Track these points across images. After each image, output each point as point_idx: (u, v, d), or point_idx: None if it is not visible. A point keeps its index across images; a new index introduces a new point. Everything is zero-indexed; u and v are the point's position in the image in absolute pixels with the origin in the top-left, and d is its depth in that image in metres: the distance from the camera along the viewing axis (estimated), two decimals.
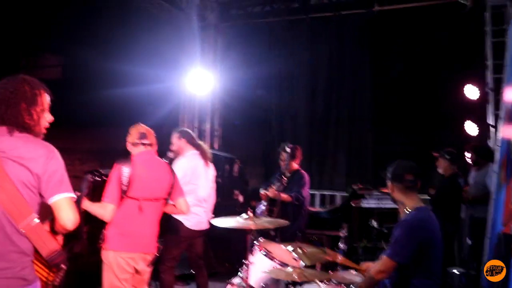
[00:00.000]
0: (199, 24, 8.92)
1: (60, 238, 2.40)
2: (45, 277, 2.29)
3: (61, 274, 2.32)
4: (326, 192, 8.37)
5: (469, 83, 6.78)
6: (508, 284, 3.67)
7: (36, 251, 2.23)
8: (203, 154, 4.94)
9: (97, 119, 12.78)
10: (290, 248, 3.75)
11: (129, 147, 3.80)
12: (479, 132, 6.70)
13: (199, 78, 8.71)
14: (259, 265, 3.80)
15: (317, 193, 8.34)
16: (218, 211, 7.49)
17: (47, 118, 2.50)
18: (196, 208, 4.71)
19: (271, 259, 3.80)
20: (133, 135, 3.77)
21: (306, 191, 5.79)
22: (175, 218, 4.61)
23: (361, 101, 8.45)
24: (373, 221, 6.32)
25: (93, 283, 4.83)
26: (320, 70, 8.75)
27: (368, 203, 6.89)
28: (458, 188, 6.00)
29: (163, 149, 4.98)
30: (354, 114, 8.50)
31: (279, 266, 3.69)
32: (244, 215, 3.73)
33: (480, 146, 6.24)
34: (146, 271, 3.73)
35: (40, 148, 2.31)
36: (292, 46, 8.90)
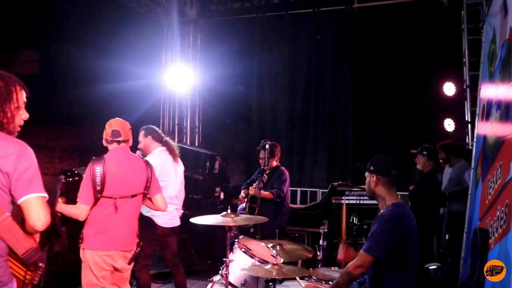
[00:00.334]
0: (178, 19, 8.84)
1: (37, 236, 2.35)
2: (23, 276, 2.23)
3: (40, 272, 2.27)
4: (306, 189, 8.39)
5: (448, 80, 6.87)
6: (485, 279, 3.73)
7: (12, 250, 2.17)
8: (170, 150, 4.87)
9: (77, 116, 12.59)
10: (270, 245, 3.75)
11: (104, 143, 3.77)
12: (457, 129, 6.80)
13: (179, 74, 8.65)
14: (238, 262, 3.79)
15: (298, 189, 8.35)
16: (199, 208, 7.51)
17: (23, 115, 2.41)
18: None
19: (251, 257, 3.80)
20: (107, 132, 3.73)
21: (287, 188, 5.79)
22: (146, 216, 4.56)
23: (341, 97, 8.47)
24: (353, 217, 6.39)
25: (73, 282, 4.77)
26: (300, 67, 8.75)
27: (348, 199, 6.93)
28: (436, 184, 6.09)
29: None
30: (334, 110, 8.53)
31: (258, 263, 3.69)
32: (223, 212, 3.72)
33: (449, 144, 6.36)
34: (126, 268, 3.70)
35: (12, 146, 2.23)
36: (272, 42, 8.90)
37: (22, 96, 2.39)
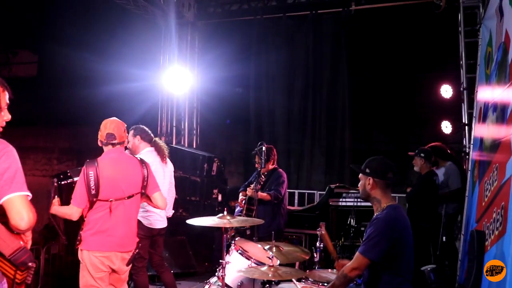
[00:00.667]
0: (176, 21, 8.84)
1: (29, 235, 2.34)
2: (13, 275, 2.21)
3: (32, 272, 2.26)
4: (304, 191, 8.39)
5: (445, 83, 6.89)
6: (481, 281, 3.73)
7: None
8: (159, 151, 4.85)
9: (75, 118, 12.60)
10: (266, 247, 3.76)
11: (99, 144, 3.76)
12: (454, 131, 6.82)
13: (177, 76, 8.66)
14: (235, 264, 3.79)
15: (295, 191, 8.36)
16: (197, 210, 7.51)
17: (5, 117, 2.38)
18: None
19: (247, 258, 3.80)
20: (102, 134, 3.71)
21: (285, 190, 5.79)
22: None
23: (338, 99, 8.48)
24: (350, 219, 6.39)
25: (71, 284, 4.77)
26: (297, 69, 8.76)
27: (346, 201, 6.94)
28: (433, 186, 6.10)
29: None
30: (332, 112, 8.53)
31: (255, 265, 3.69)
32: (220, 214, 3.73)
33: (437, 146, 6.41)
34: (124, 270, 3.69)
35: None
36: (269, 44, 8.91)
37: (5, 97, 2.36)
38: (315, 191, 8.24)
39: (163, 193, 4.67)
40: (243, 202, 5.70)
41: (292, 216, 6.77)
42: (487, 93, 4.94)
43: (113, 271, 3.63)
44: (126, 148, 4.63)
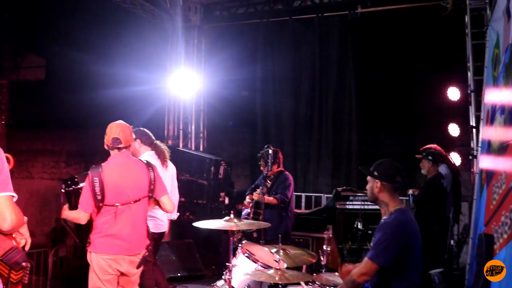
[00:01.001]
0: (182, 25, 8.89)
1: (25, 234, 2.34)
2: (7, 273, 2.21)
3: (27, 272, 2.27)
4: (311, 194, 8.38)
5: (452, 85, 6.86)
6: (490, 284, 3.70)
7: None
8: (159, 154, 4.83)
9: (82, 121, 12.68)
10: (273, 250, 3.76)
11: (106, 147, 3.76)
12: (461, 133, 6.78)
13: (184, 80, 8.69)
14: (242, 267, 3.79)
15: (302, 194, 8.34)
16: (204, 213, 7.52)
17: None
18: (155, 211, 4.55)
19: (254, 261, 3.80)
20: (108, 138, 3.71)
21: (291, 193, 5.78)
22: None
23: (345, 102, 8.46)
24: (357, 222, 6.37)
25: (79, 286, 4.79)
26: (304, 72, 8.76)
27: (353, 204, 6.91)
28: (441, 189, 6.08)
29: None
30: (338, 115, 8.51)
31: (261, 268, 3.69)
32: (226, 217, 3.73)
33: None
34: (133, 272, 3.70)
35: None
36: (275, 47, 8.91)
37: None
38: (322, 194, 8.22)
39: None
40: (250, 204, 5.70)
41: (299, 219, 6.76)
42: (494, 95, 4.91)
43: (122, 274, 3.65)
44: None
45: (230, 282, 3.57)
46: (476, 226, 5.25)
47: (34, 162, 14.35)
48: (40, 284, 7.94)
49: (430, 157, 6.05)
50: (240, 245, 4.06)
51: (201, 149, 9.29)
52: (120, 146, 3.67)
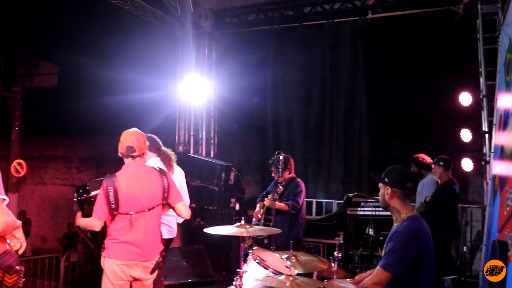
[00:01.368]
0: (193, 32, 8.95)
1: (20, 237, 2.35)
2: (1, 277, 2.23)
3: (22, 275, 2.29)
4: (322, 200, 8.35)
5: (464, 90, 6.81)
6: None
7: None
8: (165, 160, 4.80)
9: (94, 127, 12.79)
10: (284, 256, 3.74)
11: (119, 155, 3.78)
12: (473, 139, 6.72)
13: (194, 86, 8.73)
14: (252, 273, 3.78)
15: (313, 200, 8.31)
16: (214, 219, 7.53)
17: None
18: (165, 217, 4.51)
19: (265, 268, 3.79)
20: (121, 146, 3.71)
21: (303, 199, 5.76)
22: None
23: (356, 108, 8.43)
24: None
25: None
26: (314, 78, 8.75)
27: (364, 211, 6.88)
28: (453, 195, 6.02)
29: None
30: (349, 121, 8.49)
31: (272, 274, 3.68)
32: (237, 223, 3.74)
33: (417, 157, 6.38)
34: (147, 278, 3.72)
35: None
36: (286, 53, 8.92)
37: None
38: (333, 200, 8.18)
39: None
40: (260, 213, 5.68)
41: (310, 225, 6.75)
42: (507, 100, 4.87)
43: (135, 279, 3.67)
44: None
45: None
46: (489, 233, 5.19)
47: (46, 168, 14.50)
48: None
49: (441, 163, 6.01)
50: (251, 251, 4.05)
51: (211, 155, 9.31)
52: (134, 154, 3.69)
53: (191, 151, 9.08)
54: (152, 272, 3.71)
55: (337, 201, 8.02)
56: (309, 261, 3.83)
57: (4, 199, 2.23)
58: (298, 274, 3.55)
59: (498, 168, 5.09)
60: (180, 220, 5.12)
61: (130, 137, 3.70)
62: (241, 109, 9.49)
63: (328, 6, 8.43)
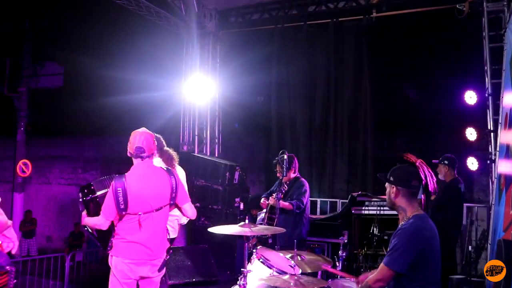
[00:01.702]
0: (198, 31, 8.97)
1: (11, 236, 2.36)
2: None
3: (12, 276, 2.29)
4: (326, 199, 8.33)
5: (469, 89, 6.78)
6: None
7: None
8: (166, 160, 4.81)
9: (99, 127, 12.85)
10: (288, 255, 3.74)
11: (128, 155, 3.78)
12: (479, 138, 6.68)
13: (199, 86, 8.74)
14: (257, 272, 3.78)
15: (317, 200, 8.30)
16: (219, 219, 7.54)
17: None
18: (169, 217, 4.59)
19: (269, 267, 3.79)
20: (131, 146, 3.71)
21: (307, 199, 5.76)
22: None
23: (360, 107, 8.40)
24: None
25: None
26: (319, 77, 8.73)
27: (368, 210, 6.86)
28: (458, 193, 5.99)
29: None
30: (354, 120, 8.46)
31: (276, 274, 3.68)
32: (241, 223, 3.74)
33: (401, 156, 6.32)
34: (155, 275, 3.75)
35: None
36: (290, 53, 8.90)
37: None
38: (338, 200, 8.16)
39: None
40: (267, 206, 5.67)
41: (315, 224, 6.72)
42: None
43: (142, 277, 3.70)
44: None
45: (245, 287, 3.57)
46: (495, 232, 5.17)
47: (51, 168, 14.57)
48: None
49: (446, 162, 5.98)
50: (255, 250, 4.06)
51: (216, 154, 9.32)
52: (143, 155, 3.69)
53: (196, 151, 9.09)
54: (160, 270, 3.74)
55: (341, 201, 8.01)
56: (313, 260, 3.83)
57: None
58: (302, 274, 3.54)
59: (504, 167, 5.07)
60: (185, 221, 5.13)
61: (140, 137, 3.70)
62: (245, 109, 9.49)
63: (332, 5, 8.41)
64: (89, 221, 3.69)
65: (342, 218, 7.03)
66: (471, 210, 7.16)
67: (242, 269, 3.65)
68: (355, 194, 7.13)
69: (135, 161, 3.75)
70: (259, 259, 3.88)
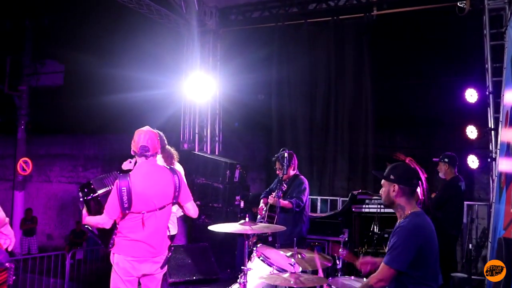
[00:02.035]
0: (198, 29, 8.95)
1: (8, 233, 2.35)
2: None
3: (12, 272, 2.29)
4: (327, 197, 8.33)
5: (470, 87, 6.77)
6: None
7: None
8: (167, 158, 4.84)
9: (99, 125, 12.85)
10: (288, 253, 3.74)
11: (132, 153, 3.78)
12: (479, 136, 6.67)
13: (199, 84, 8.73)
14: (257, 271, 3.79)
15: (318, 198, 8.30)
16: (219, 217, 7.54)
17: None
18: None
19: (269, 265, 3.79)
20: (135, 145, 3.71)
21: (306, 197, 5.75)
22: None
23: (361, 105, 8.39)
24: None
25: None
26: (319, 75, 8.72)
27: (369, 208, 6.85)
28: (459, 192, 5.98)
29: None
30: (354, 118, 8.45)
31: (276, 272, 3.68)
32: (241, 221, 3.74)
33: (392, 156, 6.34)
34: (157, 272, 3.76)
35: None
36: (291, 51, 8.89)
37: None
38: (338, 198, 8.17)
39: None
40: (263, 210, 5.69)
41: (315, 222, 6.72)
42: None
43: (144, 275, 3.70)
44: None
45: (245, 285, 3.58)
46: (495, 230, 5.17)
47: (52, 166, 14.58)
48: (57, 287, 8.03)
49: (446, 160, 5.98)
50: (255, 248, 4.06)
51: (216, 152, 9.32)
52: (147, 154, 3.68)
53: (196, 149, 9.09)
54: (162, 267, 3.75)
55: (342, 199, 8.01)
56: (314, 258, 3.82)
57: None
58: (302, 272, 3.54)
59: (505, 165, 5.06)
60: (181, 213, 5.12)
61: (144, 136, 3.69)
62: (246, 107, 9.48)
63: (333, 3, 8.40)
64: (92, 220, 3.68)
65: (342, 216, 7.02)
66: (471, 208, 7.16)
67: (242, 267, 3.66)
68: (355, 192, 7.12)
69: (139, 159, 3.74)
70: (259, 257, 3.88)
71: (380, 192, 3.21)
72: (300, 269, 3.55)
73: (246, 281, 3.59)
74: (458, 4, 6.50)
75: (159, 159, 4.69)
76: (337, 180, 8.56)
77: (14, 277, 2.31)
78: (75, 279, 8.01)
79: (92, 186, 3.72)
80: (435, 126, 8.41)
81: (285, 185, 5.56)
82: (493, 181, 5.97)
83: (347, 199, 7.25)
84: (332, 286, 3.66)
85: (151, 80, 9.56)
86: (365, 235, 6.72)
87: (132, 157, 3.88)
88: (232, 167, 7.87)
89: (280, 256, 3.97)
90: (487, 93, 6.38)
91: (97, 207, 3.68)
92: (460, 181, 6.00)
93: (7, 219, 2.42)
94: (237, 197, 7.86)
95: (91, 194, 3.70)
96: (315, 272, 3.86)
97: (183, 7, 8.66)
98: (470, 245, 6.12)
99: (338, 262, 4.01)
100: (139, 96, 10.14)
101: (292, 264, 3.45)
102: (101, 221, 3.59)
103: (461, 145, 7.15)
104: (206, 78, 8.87)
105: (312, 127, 8.77)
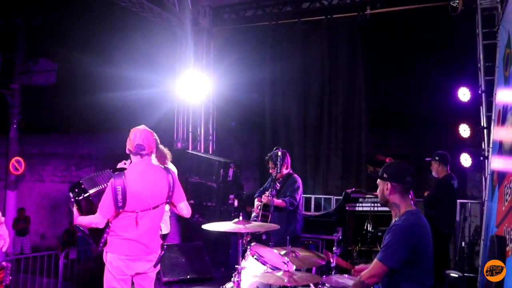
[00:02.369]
0: (192, 28, 8.93)
1: (4, 232, 2.34)
2: None
3: (8, 272, 2.28)
4: (320, 196, 8.34)
5: (462, 86, 6.81)
6: (503, 287, 3.66)
7: None
8: (160, 158, 4.83)
9: (92, 124, 12.79)
10: (282, 252, 3.75)
11: (127, 151, 3.76)
12: (472, 134, 6.71)
13: (193, 82, 8.71)
14: (251, 269, 3.79)
15: (312, 196, 8.32)
16: (213, 216, 7.53)
17: None
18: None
19: (263, 263, 3.80)
20: (131, 143, 3.68)
21: (300, 195, 5.76)
22: None
23: (355, 104, 8.41)
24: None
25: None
26: (313, 74, 8.72)
27: (362, 206, 6.88)
28: (451, 190, 6.02)
29: None
30: (348, 117, 8.46)
31: (270, 270, 3.68)
32: (235, 219, 3.74)
33: (371, 158, 6.41)
34: (150, 270, 3.75)
35: None
36: (284, 49, 8.89)
37: None
38: (332, 196, 8.18)
39: None
40: (258, 208, 5.69)
41: (309, 221, 6.74)
42: (506, 96, 4.87)
43: (137, 273, 3.69)
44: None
45: (239, 284, 3.58)
46: (488, 228, 5.20)
47: (45, 166, 14.50)
48: (50, 286, 7.99)
49: (437, 158, 6.03)
50: (249, 247, 4.06)
51: (210, 151, 9.30)
52: (143, 152, 3.67)
53: (190, 148, 9.06)
54: (155, 265, 3.74)
55: (335, 197, 8.03)
56: (308, 256, 3.83)
57: None
58: (296, 270, 3.55)
59: (497, 163, 5.09)
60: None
61: (140, 135, 3.68)
62: (240, 106, 9.48)
63: (326, 2, 8.41)
64: (84, 220, 3.64)
65: (336, 215, 7.04)
66: (464, 206, 7.21)
67: (236, 266, 3.66)
68: (349, 190, 7.14)
69: (133, 158, 3.72)
70: (253, 256, 3.89)
71: (378, 191, 3.23)
72: (294, 267, 3.55)
73: (240, 280, 3.59)
74: (451, 3, 6.53)
75: (153, 159, 4.68)
76: (331, 178, 8.57)
77: (11, 277, 2.29)
78: (68, 278, 7.97)
79: (82, 186, 3.69)
80: (428, 124, 8.46)
81: (278, 184, 5.56)
82: (485, 179, 6.01)
83: (341, 197, 7.27)
84: (326, 284, 3.67)
85: (145, 79, 9.53)
86: (358, 233, 6.75)
87: (126, 157, 3.86)
88: (226, 166, 7.86)
89: (274, 254, 3.97)
90: (479, 92, 6.42)
91: (88, 207, 3.65)
92: (453, 179, 6.03)
93: (2, 218, 2.41)
94: (231, 196, 7.86)
95: (82, 194, 3.67)
96: (309, 270, 3.88)
97: (176, 6, 8.64)
98: (463, 243, 6.16)
99: (332, 261, 4.02)
100: (132, 95, 10.10)
101: (286, 262, 3.45)
102: (94, 220, 3.56)
103: (454, 144, 7.20)
104: (199, 76, 8.85)
105: (306, 126, 8.78)
